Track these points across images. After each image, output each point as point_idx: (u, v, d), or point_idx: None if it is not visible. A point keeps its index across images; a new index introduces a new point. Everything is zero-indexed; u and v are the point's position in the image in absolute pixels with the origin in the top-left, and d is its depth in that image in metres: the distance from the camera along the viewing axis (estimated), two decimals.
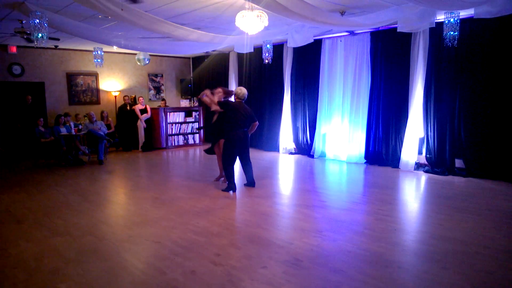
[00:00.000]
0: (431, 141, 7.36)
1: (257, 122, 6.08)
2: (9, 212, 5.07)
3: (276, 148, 10.14)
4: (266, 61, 7.43)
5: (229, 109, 5.83)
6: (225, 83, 11.64)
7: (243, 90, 6.02)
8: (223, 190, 5.93)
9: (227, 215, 4.80)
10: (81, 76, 11.07)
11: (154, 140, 11.00)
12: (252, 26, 5.15)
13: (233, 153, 5.89)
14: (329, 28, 7.05)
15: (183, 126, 11.55)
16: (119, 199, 5.99)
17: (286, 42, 8.85)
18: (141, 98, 10.85)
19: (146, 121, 10.63)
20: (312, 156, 9.20)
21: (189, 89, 13.13)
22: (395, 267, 3.29)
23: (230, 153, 5.88)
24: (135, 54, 10.60)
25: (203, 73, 12.71)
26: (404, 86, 7.54)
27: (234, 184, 5.93)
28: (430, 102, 7.29)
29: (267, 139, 10.39)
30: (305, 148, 9.62)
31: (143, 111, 10.67)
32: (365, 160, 8.33)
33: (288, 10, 5.19)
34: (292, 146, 9.92)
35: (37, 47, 8.96)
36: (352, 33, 8.18)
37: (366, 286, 2.97)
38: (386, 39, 7.72)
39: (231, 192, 5.86)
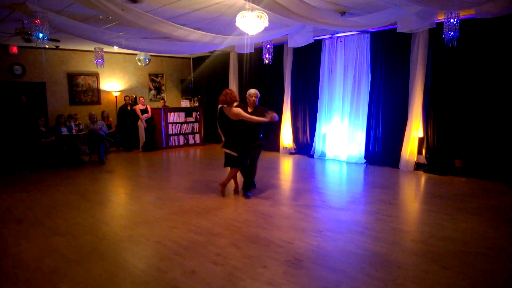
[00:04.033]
0: (430, 141, 7.37)
1: None
2: (10, 211, 5.08)
3: (276, 148, 10.15)
4: (267, 61, 7.44)
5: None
6: (225, 83, 11.65)
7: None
8: (246, 192, 5.65)
9: (227, 215, 4.81)
10: (82, 76, 11.09)
11: (155, 140, 11.01)
12: (252, 26, 5.15)
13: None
14: (329, 28, 7.05)
15: (184, 126, 11.57)
16: (119, 199, 6.00)
17: (287, 42, 8.86)
18: (141, 98, 10.87)
19: (147, 121, 10.65)
20: (312, 156, 9.21)
21: (190, 89, 13.14)
22: (395, 267, 3.29)
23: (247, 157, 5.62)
24: (136, 54, 10.62)
25: (203, 73, 12.73)
26: (404, 86, 7.54)
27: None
28: (430, 102, 7.30)
29: (267, 139, 10.34)
30: (305, 148, 9.62)
31: (144, 111, 10.69)
32: (365, 160, 8.34)
33: (289, 11, 5.20)
34: (292, 146, 9.92)
35: (38, 48, 9.00)
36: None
37: (366, 286, 2.97)
38: (386, 40, 7.73)
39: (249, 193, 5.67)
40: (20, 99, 9.56)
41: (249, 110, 5.64)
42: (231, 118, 5.40)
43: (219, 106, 5.55)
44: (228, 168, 5.74)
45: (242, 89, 11.11)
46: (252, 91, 5.75)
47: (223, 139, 5.55)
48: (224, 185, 5.70)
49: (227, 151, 5.50)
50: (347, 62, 8.55)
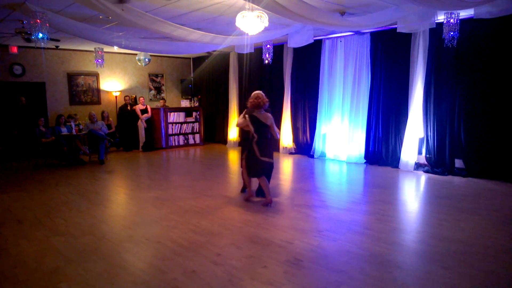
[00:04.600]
0: (430, 141, 7.37)
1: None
2: (10, 211, 5.08)
3: (276, 148, 10.12)
4: (266, 61, 7.44)
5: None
6: (225, 84, 11.66)
7: None
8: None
9: (227, 215, 4.81)
10: (82, 76, 11.08)
11: (155, 140, 11.01)
12: (252, 26, 5.15)
13: None
14: (329, 28, 7.06)
15: (184, 126, 11.57)
16: (119, 199, 6.00)
17: (287, 42, 8.85)
18: (141, 98, 10.88)
19: (147, 121, 10.65)
20: (312, 156, 9.21)
21: (190, 89, 13.15)
22: (395, 267, 3.29)
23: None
24: (136, 54, 10.61)
25: (203, 74, 12.73)
26: (404, 86, 7.54)
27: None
28: (430, 102, 7.30)
29: None
30: (305, 148, 9.62)
31: (144, 111, 10.69)
32: (365, 160, 8.34)
33: (288, 11, 5.20)
34: (292, 146, 9.92)
35: (37, 48, 8.99)
36: (357, 32, 8.14)
37: (366, 286, 2.97)
38: (386, 40, 7.73)
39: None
40: (19, 100, 9.53)
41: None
42: (266, 122, 5.05)
43: (246, 114, 5.13)
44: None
45: (242, 89, 11.13)
46: (260, 94, 5.37)
47: (257, 152, 5.03)
48: (270, 201, 5.12)
49: (265, 159, 5.08)
50: (347, 62, 8.55)
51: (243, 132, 5.65)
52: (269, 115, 5.14)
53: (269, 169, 5.27)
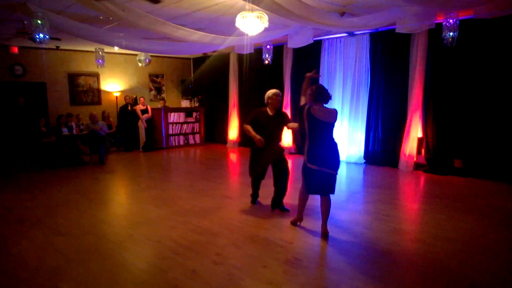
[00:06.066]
0: (430, 141, 7.38)
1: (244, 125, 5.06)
2: (11, 211, 5.10)
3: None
4: (266, 61, 7.46)
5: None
6: (225, 84, 11.67)
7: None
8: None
9: (227, 215, 4.83)
10: (83, 77, 11.11)
11: (155, 140, 11.04)
12: (252, 27, 5.16)
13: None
14: (329, 29, 7.07)
15: (184, 126, 11.59)
16: (120, 199, 6.02)
17: (286, 43, 8.87)
18: (142, 99, 10.90)
19: (147, 121, 10.68)
20: None
21: (190, 90, 13.16)
22: (395, 267, 3.31)
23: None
24: (136, 54, 10.62)
25: (203, 74, 12.75)
26: (403, 87, 7.56)
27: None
28: (429, 102, 7.32)
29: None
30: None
31: (144, 111, 10.72)
32: (365, 160, 8.35)
33: (288, 11, 5.21)
34: (292, 146, 9.94)
35: (38, 48, 9.01)
36: (350, 34, 8.21)
37: (365, 285, 2.99)
38: (385, 40, 7.75)
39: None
40: (17, 101, 9.49)
41: (271, 113, 4.93)
42: (327, 120, 3.88)
43: (306, 107, 3.91)
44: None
45: (242, 90, 11.15)
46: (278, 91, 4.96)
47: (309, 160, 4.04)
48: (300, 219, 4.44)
49: (324, 170, 3.96)
50: (346, 62, 8.57)
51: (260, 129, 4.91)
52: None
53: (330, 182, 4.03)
